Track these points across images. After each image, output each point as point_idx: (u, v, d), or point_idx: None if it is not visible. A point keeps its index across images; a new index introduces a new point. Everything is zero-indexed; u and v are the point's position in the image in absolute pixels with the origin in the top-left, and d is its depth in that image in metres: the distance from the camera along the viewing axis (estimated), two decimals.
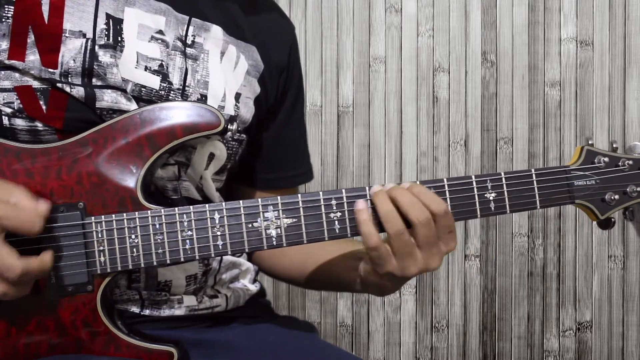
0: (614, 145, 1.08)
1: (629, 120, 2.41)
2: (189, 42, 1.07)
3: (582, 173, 1.06)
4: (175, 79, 1.04)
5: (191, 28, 1.07)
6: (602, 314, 2.45)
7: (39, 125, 0.98)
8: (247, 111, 1.12)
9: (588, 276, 2.45)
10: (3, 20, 0.98)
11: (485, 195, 1.02)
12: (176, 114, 0.98)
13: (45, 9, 0.99)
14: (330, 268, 1.16)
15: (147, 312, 1.06)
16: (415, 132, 2.45)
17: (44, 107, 0.98)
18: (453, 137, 2.45)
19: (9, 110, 0.97)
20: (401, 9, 2.45)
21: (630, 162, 1.07)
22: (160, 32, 1.04)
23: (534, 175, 1.04)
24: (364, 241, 0.98)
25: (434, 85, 2.45)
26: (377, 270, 1.00)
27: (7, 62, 0.97)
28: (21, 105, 0.97)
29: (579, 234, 2.44)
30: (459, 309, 2.46)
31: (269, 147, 1.20)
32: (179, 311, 1.08)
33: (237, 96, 1.10)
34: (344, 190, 0.99)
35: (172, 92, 1.03)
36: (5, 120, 0.98)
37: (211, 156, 1.09)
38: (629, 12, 2.42)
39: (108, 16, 1.01)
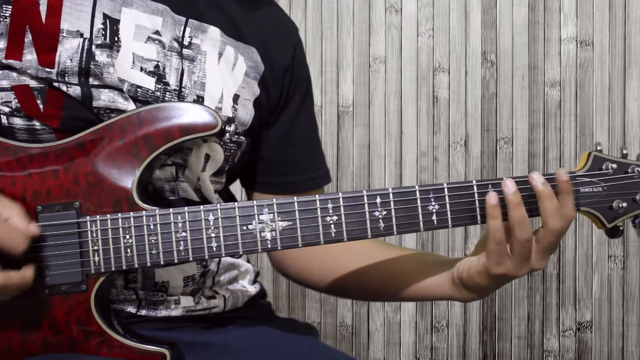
0: (624, 152, 1.04)
1: (629, 120, 2.41)
2: (185, 43, 1.06)
3: (588, 180, 1.02)
4: (172, 80, 1.04)
5: (188, 29, 1.07)
6: (602, 314, 2.45)
7: (37, 124, 0.98)
8: (246, 113, 1.11)
9: (588, 276, 2.45)
10: (1, 19, 0.98)
11: None
12: (174, 114, 0.98)
13: (42, 8, 0.99)
14: (406, 279, 1.13)
15: (143, 312, 1.06)
16: (415, 132, 2.45)
17: (41, 106, 0.98)
18: (453, 137, 2.45)
19: (6, 109, 0.98)
20: (401, 9, 2.44)
21: None
22: (157, 32, 1.04)
23: None
24: (492, 235, 0.97)
25: (434, 85, 2.45)
26: (491, 271, 1.00)
27: (4, 61, 0.97)
28: (19, 104, 0.98)
29: (579, 234, 2.44)
30: (459, 309, 2.46)
31: (278, 149, 1.19)
32: (175, 312, 1.08)
33: (235, 98, 1.10)
34: (340, 194, 0.98)
35: (168, 92, 1.03)
36: (4, 119, 0.98)
37: (207, 157, 1.08)
38: (629, 12, 2.42)
39: (105, 16, 1.01)
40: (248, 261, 1.23)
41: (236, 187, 1.24)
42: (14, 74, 0.98)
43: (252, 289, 1.21)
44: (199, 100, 1.06)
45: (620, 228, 1.04)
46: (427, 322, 2.47)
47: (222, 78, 1.09)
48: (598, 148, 1.04)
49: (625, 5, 2.42)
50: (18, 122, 0.98)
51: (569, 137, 2.43)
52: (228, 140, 1.09)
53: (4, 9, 0.98)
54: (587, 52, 2.43)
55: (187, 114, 0.98)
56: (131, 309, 1.06)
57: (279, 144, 1.19)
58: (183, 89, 1.05)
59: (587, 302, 2.45)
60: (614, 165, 1.03)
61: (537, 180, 0.98)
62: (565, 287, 2.45)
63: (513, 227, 0.97)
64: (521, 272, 0.99)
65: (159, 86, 1.03)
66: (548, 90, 2.44)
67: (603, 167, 1.03)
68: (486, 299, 2.45)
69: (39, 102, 0.98)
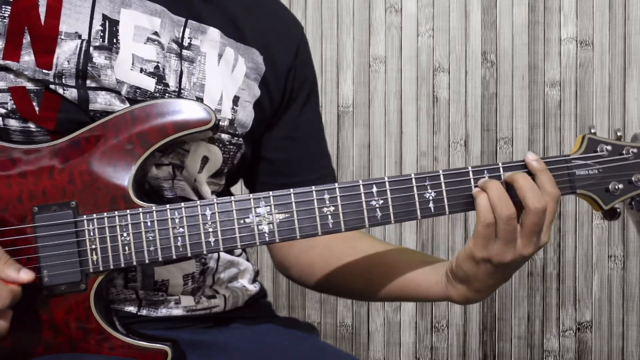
0: (618, 134, 1.03)
1: (629, 120, 2.41)
2: (185, 44, 1.06)
3: (583, 162, 1.01)
4: (172, 81, 1.04)
5: (187, 30, 1.07)
6: (602, 314, 2.45)
7: (32, 126, 0.98)
8: (246, 115, 1.11)
9: (588, 276, 2.45)
10: None
11: None
12: (167, 111, 0.98)
13: (42, 10, 0.99)
14: (405, 278, 1.13)
15: (144, 312, 1.06)
16: (415, 132, 2.45)
17: (36, 108, 0.98)
18: (453, 137, 2.45)
19: (2, 110, 0.98)
20: (401, 9, 2.45)
21: (635, 150, 1.02)
22: (156, 33, 1.04)
23: None
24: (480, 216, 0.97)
25: (434, 85, 2.45)
26: (476, 254, 0.99)
27: (1, 62, 0.97)
28: (14, 106, 0.98)
29: (579, 234, 2.44)
30: (459, 309, 2.46)
31: (282, 149, 1.18)
32: (176, 311, 1.08)
33: (235, 99, 1.09)
34: (337, 185, 0.98)
35: (167, 94, 1.03)
36: None
37: (205, 159, 1.08)
38: (629, 12, 2.42)
39: (104, 17, 1.01)
40: (248, 260, 1.23)
41: (236, 189, 1.24)
42: (11, 76, 0.98)
43: (252, 288, 1.21)
44: (198, 101, 1.05)
45: (618, 210, 1.03)
46: (427, 322, 2.47)
47: (222, 80, 1.08)
48: (592, 131, 1.03)
49: (625, 5, 2.41)
50: (13, 123, 0.98)
51: (569, 137, 2.43)
52: (228, 143, 1.09)
53: (3, 9, 0.98)
54: (587, 52, 2.43)
55: (181, 110, 0.98)
56: (131, 309, 1.06)
57: (282, 145, 1.18)
58: (182, 90, 1.04)
59: (587, 302, 2.45)
60: (609, 147, 1.02)
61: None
62: (565, 287, 2.45)
63: (495, 205, 0.96)
64: (507, 256, 0.98)
65: (159, 87, 1.03)
66: (548, 90, 2.44)
67: (598, 149, 1.02)
68: (486, 298, 2.45)
69: (34, 104, 0.98)
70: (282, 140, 1.18)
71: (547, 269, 2.45)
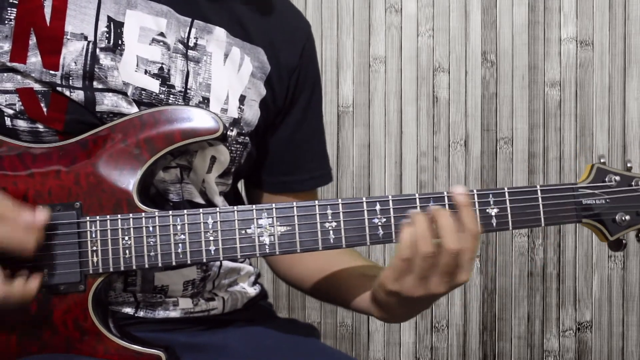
0: (628, 165, 1.03)
1: (629, 120, 2.41)
2: (191, 44, 1.06)
3: (590, 191, 1.01)
4: (177, 82, 1.04)
5: (193, 30, 1.07)
6: (602, 314, 2.45)
7: (40, 126, 0.99)
8: (253, 114, 1.11)
9: (588, 276, 2.45)
10: (5, 22, 0.98)
11: (487, 210, 0.99)
12: (176, 118, 0.98)
13: (47, 11, 0.99)
14: (342, 282, 1.14)
15: (141, 313, 1.06)
16: (415, 132, 2.45)
17: (44, 109, 0.98)
18: (453, 137, 2.45)
19: (11, 111, 0.99)
20: (401, 9, 2.45)
21: None
22: (162, 34, 1.04)
23: (539, 192, 1.00)
24: (400, 249, 0.95)
25: (434, 85, 2.45)
26: (387, 285, 0.98)
27: (8, 64, 0.98)
28: (22, 107, 0.98)
29: (579, 234, 2.44)
30: (459, 309, 2.46)
31: (283, 149, 1.18)
32: (174, 313, 1.08)
33: (242, 98, 1.09)
34: (340, 200, 0.98)
35: (172, 95, 1.03)
36: (8, 121, 0.99)
37: (213, 159, 1.08)
38: (629, 12, 2.42)
39: (109, 19, 1.01)
40: (250, 264, 1.23)
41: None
42: (19, 77, 0.98)
43: (252, 291, 1.21)
44: (205, 101, 1.05)
45: (623, 241, 1.03)
46: (427, 322, 2.47)
47: (228, 79, 1.08)
48: (602, 160, 1.03)
49: (625, 5, 2.42)
50: (22, 124, 0.99)
51: (569, 137, 2.43)
52: (234, 142, 1.09)
53: (9, 11, 0.99)
54: (587, 52, 2.43)
55: (190, 117, 0.98)
56: (129, 310, 1.06)
57: (284, 145, 1.18)
58: (189, 91, 1.04)
59: (587, 302, 2.45)
60: (617, 178, 1.02)
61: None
62: (565, 287, 2.45)
63: (416, 240, 0.94)
64: (417, 292, 0.96)
65: (163, 89, 1.03)
66: (548, 90, 2.44)
67: (606, 179, 1.02)
68: (486, 298, 2.45)
69: (42, 105, 0.98)
70: (286, 140, 1.18)
71: (547, 269, 2.45)
